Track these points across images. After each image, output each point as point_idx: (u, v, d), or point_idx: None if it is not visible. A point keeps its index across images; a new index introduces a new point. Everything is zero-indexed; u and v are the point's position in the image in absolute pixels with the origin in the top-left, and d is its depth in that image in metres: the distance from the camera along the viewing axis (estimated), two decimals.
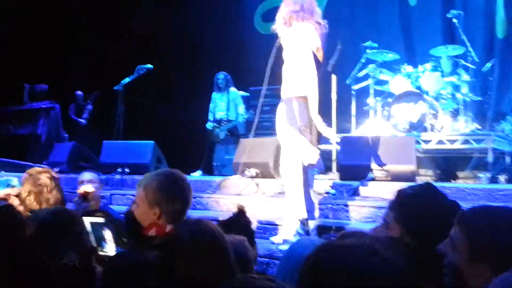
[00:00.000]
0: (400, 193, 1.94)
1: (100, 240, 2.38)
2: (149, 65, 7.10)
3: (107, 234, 2.38)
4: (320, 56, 3.71)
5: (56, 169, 5.68)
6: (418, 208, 1.86)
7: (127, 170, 6.17)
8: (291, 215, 3.81)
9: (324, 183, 5.03)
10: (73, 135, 8.60)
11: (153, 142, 6.49)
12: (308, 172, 3.84)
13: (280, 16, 3.80)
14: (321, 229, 4.03)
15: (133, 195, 5.55)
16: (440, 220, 1.73)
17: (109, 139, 6.87)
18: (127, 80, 7.04)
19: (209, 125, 7.28)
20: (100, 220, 2.42)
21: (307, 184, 3.82)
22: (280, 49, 3.84)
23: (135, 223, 2.37)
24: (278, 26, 3.81)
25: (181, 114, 8.64)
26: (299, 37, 3.69)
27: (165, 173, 2.44)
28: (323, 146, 6.51)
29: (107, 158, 6.50)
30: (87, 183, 3.85)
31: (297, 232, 3.73)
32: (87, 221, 2.36)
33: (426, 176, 5.73)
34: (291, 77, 3.73)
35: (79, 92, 9.06)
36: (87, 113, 8.97)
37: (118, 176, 6.13)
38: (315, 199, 4.27)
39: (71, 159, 7.03)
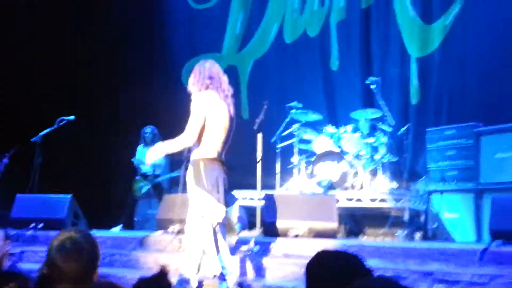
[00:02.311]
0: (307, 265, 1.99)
1: None
2: (71, 117, 6.90)
3: None
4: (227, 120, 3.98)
5: None
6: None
7: (40, 225, 5.82)
8: (191, 271, 3.91)
9: (247, 240, 5.00)
10: None
11: (70, 195, 6.20)
12: (218, 229, 3.93)
13: (190, 84, 4.08)
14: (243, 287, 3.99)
15: (46, 252, 5.22)
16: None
17: (24, 192, 6.51)
18: (46, 131, 6.79)
19: (136, 160, 7.15)
20: None
21: (217, 241, 3.92)
22: None
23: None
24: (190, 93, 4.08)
25: (102, 167, 8.39)
26: (198, 104, 3.93)
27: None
28: (247, 202, 6.55)
29: (19, 212, 6.10)
30: None
31: None
32: None
33: (346, 233, 5.87)
34: (197, 141, 3.93)
35: None
36: (2, 166, 8.49)
37: (30, 232, 5.75)
38: (238, 256, 4.44)
39: None
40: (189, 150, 4.07)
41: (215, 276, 3.85)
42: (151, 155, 4.02)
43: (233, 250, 4.82)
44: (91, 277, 2.08)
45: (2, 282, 2.92)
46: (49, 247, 2.09)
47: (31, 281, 3.00)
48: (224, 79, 4.08)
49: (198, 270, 3.91)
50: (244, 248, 4.80)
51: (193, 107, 3.92)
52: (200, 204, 3.84)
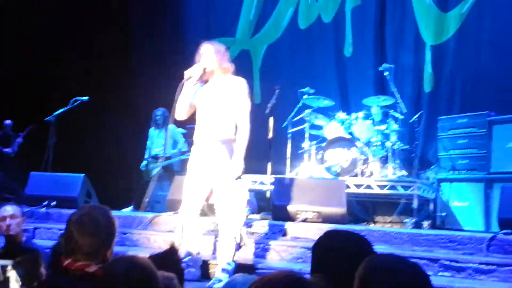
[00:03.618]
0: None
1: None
2: (85, 97, 6.97)
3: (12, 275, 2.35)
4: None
5: None
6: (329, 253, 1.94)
7: (53, 203, 5.92)
8: (225, 254, 3.86)
9: (256, 223, 5.05)
10: None
11: (84, 175, 6.30)
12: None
13: (212, 61, 3.99)
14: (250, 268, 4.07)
15: (59, 229, 5.33)
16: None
17: (38, 171, 6.61)
18: (60, 111, 6.87)
19: (143, 165, 7.19)
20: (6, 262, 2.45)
21: None
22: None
23: (58, 256, 2.29)
24: (207, 69, 3.99)
25: (115, 148, 8.47)
26: (238, 88, 3.97)
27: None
28: (257, 186, 6.59)
29: (33, 190, 6.22)
30: (10, 220, 3.68)
31: (224, 270, 3.81)
32: None
33: (354, 219, 5.90)
34: (227, 121, 3.95)
35: (8, 121, 8.69)
36: (16, 146, 8.59)
37: (43, 209, 5.86)
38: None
39: None
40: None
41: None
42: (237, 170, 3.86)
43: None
44: (105, 253, 2.14)
45: (18, 255, 3.04)
46: (68, 220, 2.17)
47: (42, 255, 3.11)
48: None
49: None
50: (253, 230, 4.86)
51: (244, 95, 3.96)
52: (242, 184, 3.89)
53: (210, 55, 3.97)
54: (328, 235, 2.05)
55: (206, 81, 4.09)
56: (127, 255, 1.88)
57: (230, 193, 3.88)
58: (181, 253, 3.91)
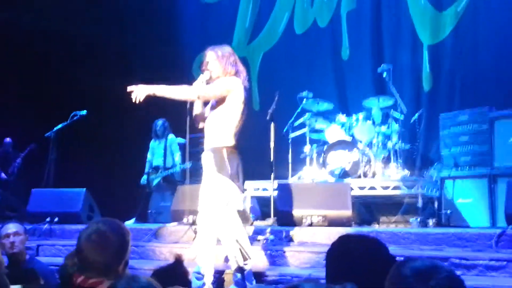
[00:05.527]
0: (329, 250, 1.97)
1: None
2: (83, 111, 6.95)
3: None
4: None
5: None
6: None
7: (56, 219, 5.88)
8: (235, 261, 3.79)
9: (262, 229, 5.01)
10: None
11: (85, 189, 6.25)
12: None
13: (215, 68, 3.89)
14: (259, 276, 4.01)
15: (62, 246, 5.29)
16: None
17: (39, 187, 6.58)
18: (59, 126, 6.85)
19: (143, 180, 7.13)
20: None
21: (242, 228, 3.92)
22: None
23: (69, 277, 2.25)
24: (212, 76, 3.91)
25: (115, 160, 8.43)
26: (228, 84, 3.85)
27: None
28: (260, 193, 6.56)
29: (35, 207, 6.17)
30: (14, 237, 3.66)
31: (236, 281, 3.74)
32: None
33: (359, 221, 5.86)
34: (219, 128, 3.85)
35: (8, 139, 8.65)
36: (16, 167, 8.52)
37: (46, 226, 5.81)
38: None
39: None
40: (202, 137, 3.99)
41: (240, 267, 3.75)
42: (142, 90, 3.78)
43: (249, 239, 4.84)
44: (116, 268, 2.11)
45: (21, 274, 3.00)
46: (78, 237, 2.15)
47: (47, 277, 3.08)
48: (244, 68, 4.01)
49: (247, 257, 3.79)
50: (259, 237, 4.82)
51: (222, 82, 3.82)
52: (224, 191, 3.74)
53: (214, 62, 3.88)
54: (342, 240, 2.00)
55: None
56: (130, 274, 1.85)
57: (213, 202, 3.78)
58: (194, 263, 3.84)
